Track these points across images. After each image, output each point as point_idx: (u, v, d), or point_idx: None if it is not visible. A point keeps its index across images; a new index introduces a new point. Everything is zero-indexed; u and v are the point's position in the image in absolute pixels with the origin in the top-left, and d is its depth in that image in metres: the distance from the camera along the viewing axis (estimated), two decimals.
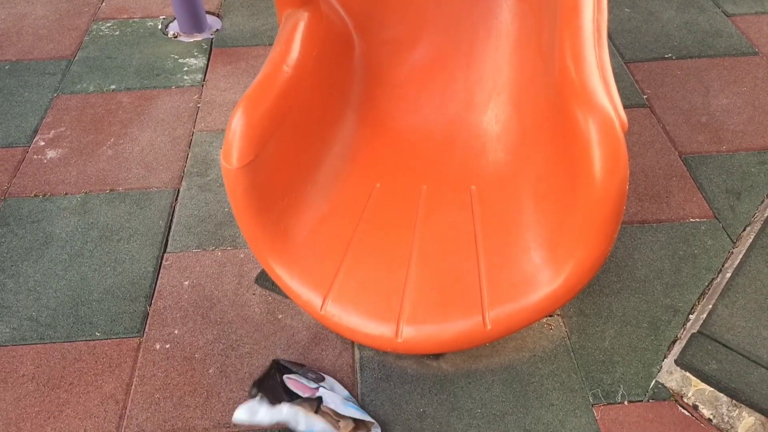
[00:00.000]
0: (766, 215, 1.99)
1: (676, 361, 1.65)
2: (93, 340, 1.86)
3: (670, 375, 1.68)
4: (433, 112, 2.03)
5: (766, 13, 3.13)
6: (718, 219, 2.13)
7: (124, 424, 1.66)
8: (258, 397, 1.58)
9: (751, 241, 1.90)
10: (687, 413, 1.64)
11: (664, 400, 1.68)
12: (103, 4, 3.40)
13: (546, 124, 1.72)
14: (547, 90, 1.75)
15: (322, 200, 1.91)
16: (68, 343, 1.85)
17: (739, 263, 1.83)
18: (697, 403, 1.64)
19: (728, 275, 1.82)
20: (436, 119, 2.02)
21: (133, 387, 1.74)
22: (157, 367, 1.78)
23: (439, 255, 1.74)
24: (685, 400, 1.66)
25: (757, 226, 1.98)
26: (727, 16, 3.11)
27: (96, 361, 1.81)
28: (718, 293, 1.77)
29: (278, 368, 1.72)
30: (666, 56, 2.87)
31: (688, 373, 1.62)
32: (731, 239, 2.06)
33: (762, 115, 2.54)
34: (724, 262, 1.98)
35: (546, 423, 1.64)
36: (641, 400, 1.67)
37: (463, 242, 1.75)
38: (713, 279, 1.94)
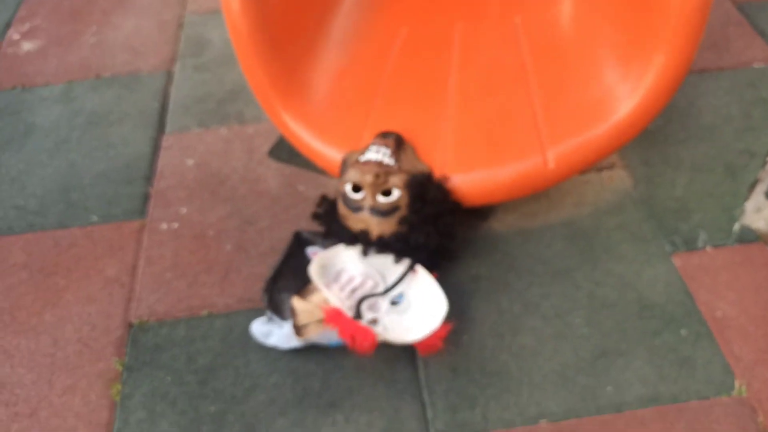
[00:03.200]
0: None
1: (767, 194, 1.42)
2: (89, 225, 1.62)
3: (759, 213, 1.46)
4: None
5: None
6: None
7: (134, 306, 1.44)
8: (267, 316, 1.34)
9: None
10: None
11: (752, 242, 1.46)
12: None
13: None
14: None
15: (340, 53, 1.65)
16: (61, 230, 1.62)
17: None
18: None
19: None
20: None
21: (139, 269, 1.51)
22: (165, 248, 1.55)
23: (482, 95, 1.50)
24: None
25: None
26: None
27: (94, 246, 1.57)
28: None
29: (300, 241, 1.49)
30: None
31: None
32: None
33: None
34: None
35: (619, 275, 1.42)
36: (725, 244, 1.46)
37: (510, 78, 1.50)
38: None
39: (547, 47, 1.49)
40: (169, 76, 2.04)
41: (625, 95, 1.29)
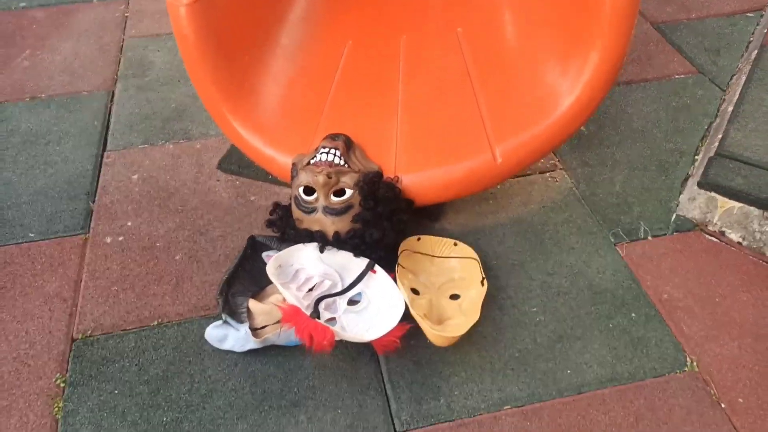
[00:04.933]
0: (754, 55, 1.92)
1: (699, 184, 1.52)
2: (26, 242, 1.54)
3: (692, 202, 1.55)
4: None
5: None
6: (703, 73, 2.05)
7: (76, 321, 1.36)
8: (222, 319, 1.30)
9: (746, 75, 1.82)
10: (715, 240, 1.52)
11: (689, 230, 1.54)
12: None
13: None
14: None
15: (288, 64, 1.67)
16: None
17: (739, 96, 1.73)
18: (723, 229, 1.51)
19: (730, 109, 1.72)
20: None
21: (83, 283, 1.44)
22: (111, 261, 1.49)
23: (430, 101, 1.54)
24: (711, 227, 1.53)
25: (746, 68, 1.90)
26: None
27: (33, 263, 1.49)
28: (725, 124, 1.66)
29: (255, 246, 1.46)
30: None
31: (713, 194, 1.49)
32: (720, 88, 1.98)
33: None
34: (719, 106, 1.89)
35: (569, 265, 1.47)
36: (665, 234, 1.54)
37: (455, 85, 1.56)
38: (712, 122, 1.84)
39: (489, 53, 1.56)
40: (110, 96, 2.00)
41: (566, 91, 1.36)
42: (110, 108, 1.96)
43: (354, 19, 1.75)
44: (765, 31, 2.03)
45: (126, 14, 2.41)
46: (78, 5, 2.47)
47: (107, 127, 1.88)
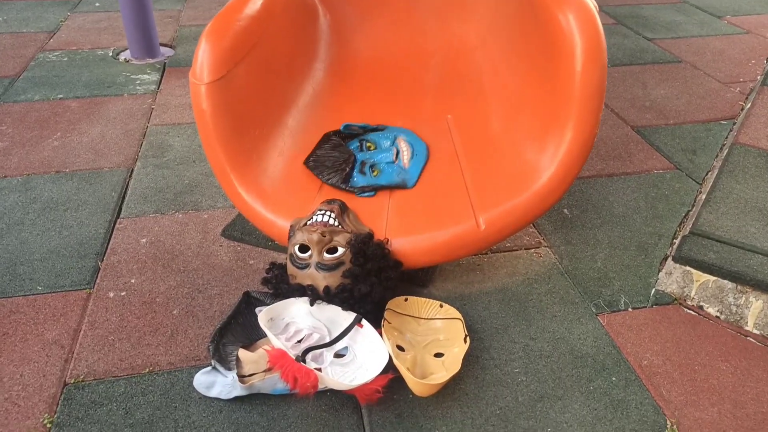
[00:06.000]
0: (726, 151, 2.07)
1: (674, 258, 1.60)
2: (33, 294, 1.61)
3: (670, 277, 1.62)
4: (403, 51, 2.06)
5: (679, 37, 3.48)
6: (680, 169, 2.19)
7: (71, 366, 1.40)
8: (211, 367, 1.35)
9: (719, 168, 1.95)
10: (693, 313, 1.57)
11: (668, 304, 1.60)
12: (51, 39, 3.37)
13: (518, 40, 1.76)
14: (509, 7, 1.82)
15: (293, 141, 1.83)
16: (3, 299, 1.60)
17: (712, 185, 1.86)
18: (701, 303, 1.57)
19: (703, 197, 1.84)
20: (406, 58, 2.04)
21: (81, 332, 1.49)
22: (111, 313, 1.55)
23: (420, 174, 1.68)
24: (689, 302, 1.59)
25: (719, 164, 2.04)
26: (648, 40, 3.43)
27: (37, 313, 1.55)
28: (698, 208, 1.77)
29: (249, 301, 1.53)
30: None
31: (688, 267, 1.57)
32: (697, 182, 2.11)
33: (698, 99, 2.73)
34: (696, 197, 2.01)
35: (552, 331, 1.51)
36: (645, 306, 1.59)
37: (444, 162, 1.70)
38: (689, 210, 1.96)
39: (475, 135, 1.72)
40: (129, 172, 2.16)
41: (544, 166, 1.49)
42: (128, 182, 2.11)
43: (356, 107, 1.94)
44: (735, 133, 2.20)
45: (153, 107, 2.64)
46: (110, 98, 2.72)
47: (123, 198, 2.02)
